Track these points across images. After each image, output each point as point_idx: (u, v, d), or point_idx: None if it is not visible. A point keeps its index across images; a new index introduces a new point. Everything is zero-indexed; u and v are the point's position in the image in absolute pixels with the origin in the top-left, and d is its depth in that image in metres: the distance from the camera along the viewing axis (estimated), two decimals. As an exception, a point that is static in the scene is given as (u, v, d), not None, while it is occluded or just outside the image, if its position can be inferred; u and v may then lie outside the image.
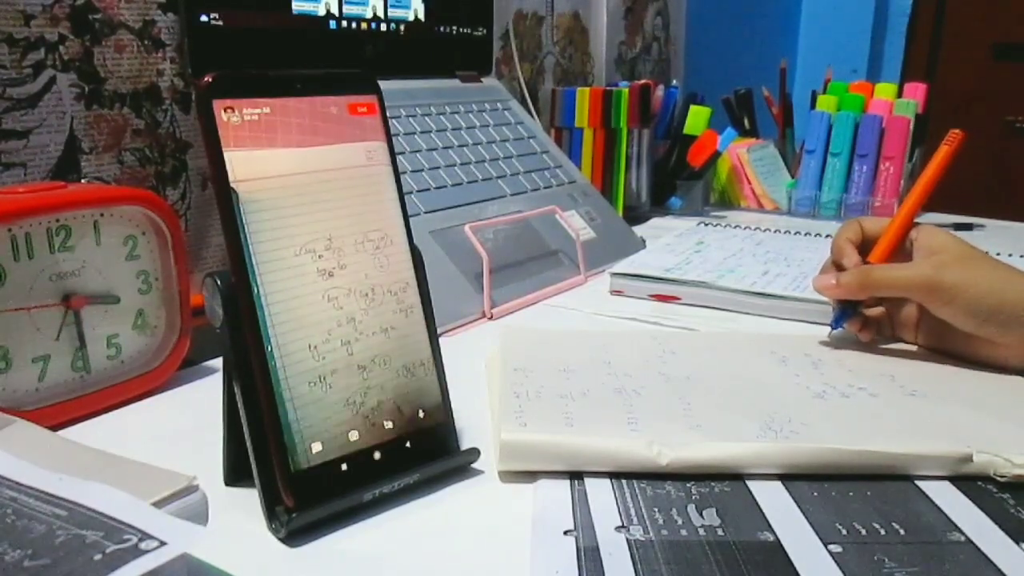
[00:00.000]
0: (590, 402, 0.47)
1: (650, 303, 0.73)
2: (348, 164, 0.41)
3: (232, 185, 0.36)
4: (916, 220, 0.59)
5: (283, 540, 0.37)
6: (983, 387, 0.53)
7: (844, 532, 0.37)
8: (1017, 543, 0.36)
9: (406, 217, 0.43)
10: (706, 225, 0.97)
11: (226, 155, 0.36)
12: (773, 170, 1.21)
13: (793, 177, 1.18)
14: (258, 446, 0.37)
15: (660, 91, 1.13)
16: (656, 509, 0.39)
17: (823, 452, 0.42)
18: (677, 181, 1.13)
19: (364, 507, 0.39)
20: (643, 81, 1.10)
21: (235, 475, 0.41)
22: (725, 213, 1.15)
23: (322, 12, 0.78)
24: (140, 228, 0.52)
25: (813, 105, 1.14)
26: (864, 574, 0.34)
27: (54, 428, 0.43)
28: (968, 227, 1.06)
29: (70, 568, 0.25)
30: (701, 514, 0.39)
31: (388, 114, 0.43)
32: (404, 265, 0.42)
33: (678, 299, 0.73)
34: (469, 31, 0.95)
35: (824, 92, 1.17)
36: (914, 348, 0.60)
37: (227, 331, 0.37)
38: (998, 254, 0.82)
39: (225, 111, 0.37)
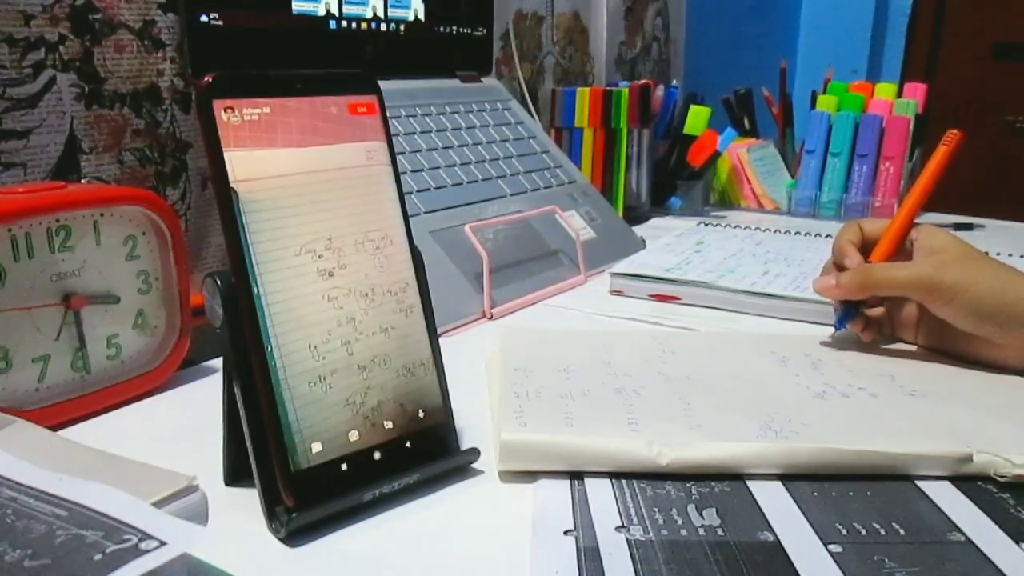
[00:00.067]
0: (590, 402, 0.47)
1: (650, 303, 0.73)
2: (348, 164, 0.41)
3: (232, 185, 0.36)
4: (916, 220, 0.60)
5: (283, 540, 0.37)
6: (983, 387, 0.53)
7: (844, 532, 0.37)
8: (1017, 543, 0.36)
9: (406, 217, 0.43)
10: (706, 225, 0.97)
11: (226, 155, 0.36)
12: (773, 170, 1.21)
13: (793, 177, 1.18)
14: (258, 446, 0.37)
15: (660, 91, 1.13)
16: (656, 509, 0.39)
17: (823, 452, 0.42)
18: (677, 181, 1.13)
19: (364, 507, 0.39)
20: (643, 81, 1.10)
21: (235, 475, 0.41)
22: (725, 213, 1.15)
23: (322, 12, 0.78)
24: (140, 228, 0.52)
25: (813, 105, 1.14)
26: (864, 574, 0.34)
27: (54, 428, 0.43)
28: (968, 227, 1.06)
29: (70, 568, 0.25)
30: (701, 514, 0.39)
31: (388, 114, 0.43)
32: (404, 265, 0.42)
33: (678, 299, 0.73)
34: (469, 31, 0.95)
35: (824, 92, 1.17)
36: (914, 348, 0.60)
37: (227, 331, 0.37)
38: (998, 254, 0.82)
39: (225, 111, 0.37)
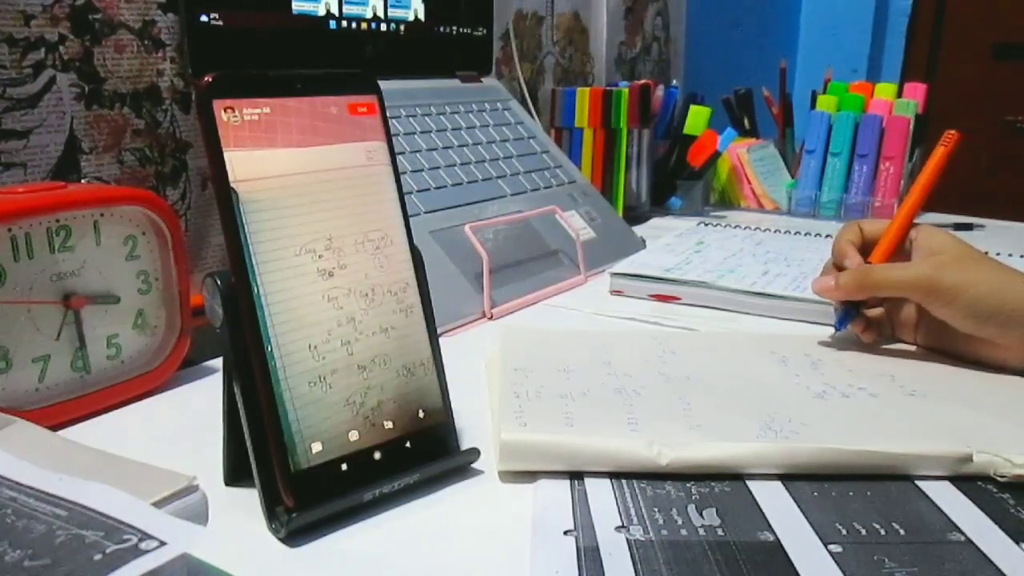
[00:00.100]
0: (590, 402, 0.47)
1: (650, 303, 0.73)
2: (348, 164, 0.41)
3: (232, 185, 0.36)
4: (916, 220, 0.60)
5: (283, 540, 0.37)
6: (983, 387, 0.53)
7: (844, 532, 0.37)
8: (1017, 543, 0.36)
9: (406, 217, 0.43)
10: (706, 225, 0.97)
11: (226, 155, 0.36)
12: (773, 170, 1.21)
13: (793, 177, 1.18)
14: (258, 446, 0.37)
15: (660, 91, 1.13)
16: (656, 509, 0.39)
17: (823, 452, 0.42)
18: (677, 181, 1.13)
19: (364, 507, 0.39)
20: (643, 81, 1.10)
21: (235, 475, 0.41)
22: (725, 213, 1.15)
23: (322, 12, 0.78)
24: (140, 228, 0.52)
25: (813, 105, 1.14)
26: (864, 574, 0.34)
27: (54, 428, 0.43)
28: (968, 227, 1.06)
29: (70, 568, 0.25)
30: (701, 514, 0.39)
31: (388, 114, 0.43)
32: (404, 265, 0.42)
33: (678, 299, 0.73)
34: (469, 31, 0.95)
35: (824, 92, 1.17)
36: (914, 348, 0.60)
37: (227, 331, 0.37)
38: (998, 254, 0.82)
39: (225, 111, 0.37)
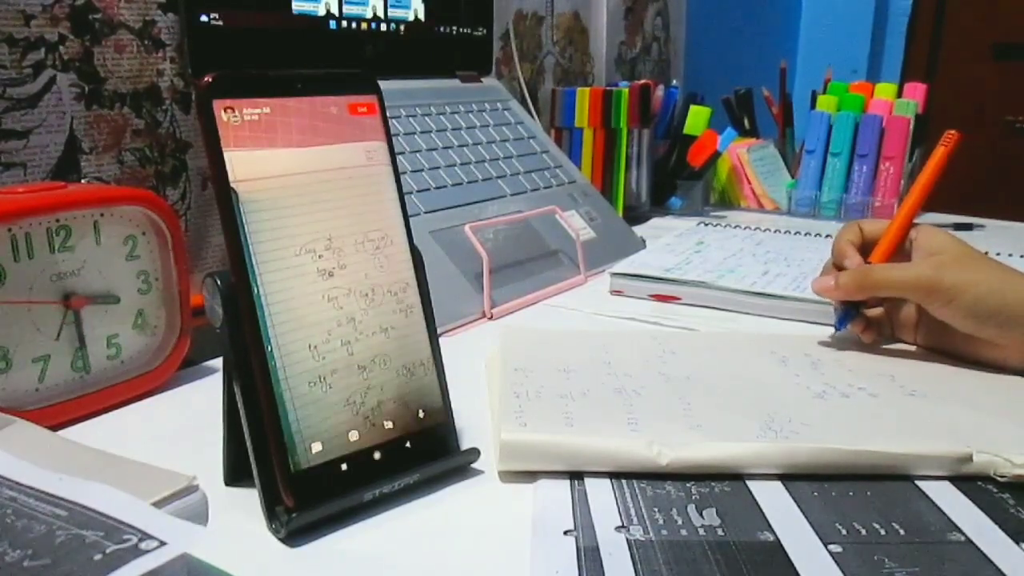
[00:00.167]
0: (590, 402, 0.47)
1: (650, 303, 0.73)
2: (348, 164, 0.41)
3: (232, 185, 0.36)
4: (916, 220, 0.59)
5: (283, 540, 0.37)
6: (983, 387, 0.53)
7: (844, 532, 0.37)
8: (1017, 543, 0.36)
9: (406, 217, 0.43)
10: (706, 225, 0.97)
11: (226, 155, 0.36)
12: (773, 170, 1.21)
13: (793, 177, 1.18)
14: (258, 446, 0.37)
15: (660, 91, 1.13)
16: (656, 509, 0.39)
17: (823, 452, 0.42)
18: (677, 181, 1.13)
19: (364, 507, 0.39)
20: (643, 81, 1.10)
21: (235, 475, 0.41)
22: (725, 213, 1.15)
23: (322, 12, 0.78)
24: (140, 228, 0.52)
25: (813, 105, 1.14)
26: (864, 574, 0.34)
27: (54, 428, 0.43)
28: (968, 227, 1.06)
29: (70, 568, 0.25)
30: (701, 514, 0.39)
31: (388, 114, 0.43)
32: (404, 265, 0.42)
33: (678, 299, 0.73)
34: (469, 31, 0.95)
35: (824, 92, 1.17)
36: (914, 348, 0.60)
37: (227, 331, 0.37)
38: (998, 254, 0.82)
39: (225, 111, 0.37)
